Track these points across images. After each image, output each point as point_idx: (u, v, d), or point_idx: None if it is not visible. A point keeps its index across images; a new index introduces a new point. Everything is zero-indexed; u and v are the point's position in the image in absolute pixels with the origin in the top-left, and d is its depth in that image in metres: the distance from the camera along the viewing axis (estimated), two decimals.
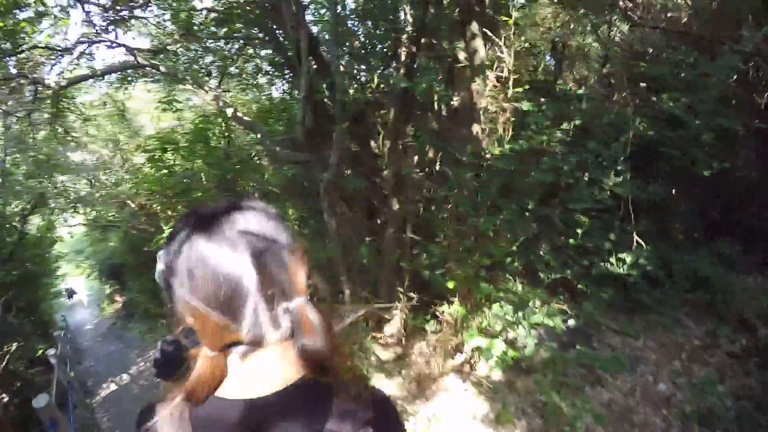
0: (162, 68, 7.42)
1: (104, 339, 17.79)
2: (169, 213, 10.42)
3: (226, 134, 10.12)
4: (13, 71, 7.18)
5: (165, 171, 9.60)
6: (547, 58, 8.54)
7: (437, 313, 5.25)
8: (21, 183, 12.80)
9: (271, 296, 0.83)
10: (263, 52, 9.00)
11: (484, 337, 4.57)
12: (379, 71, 6.79)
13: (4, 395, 8.77)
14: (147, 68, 7.77)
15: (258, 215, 0.89)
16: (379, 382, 5.12)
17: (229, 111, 6.83)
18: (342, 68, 6.32)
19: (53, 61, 7.65)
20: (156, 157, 9.19)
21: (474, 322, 4.87)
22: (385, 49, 7.03)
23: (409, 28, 5.64)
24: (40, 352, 9.34)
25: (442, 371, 5.01)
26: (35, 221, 16.04)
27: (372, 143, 6.45)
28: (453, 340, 5.05)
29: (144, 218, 12.25)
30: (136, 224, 12.35)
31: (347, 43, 6.93)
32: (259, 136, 6.93)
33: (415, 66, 6.02)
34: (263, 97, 10.81)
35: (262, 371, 0.84)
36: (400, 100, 5.78)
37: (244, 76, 10.17)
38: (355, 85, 7.01)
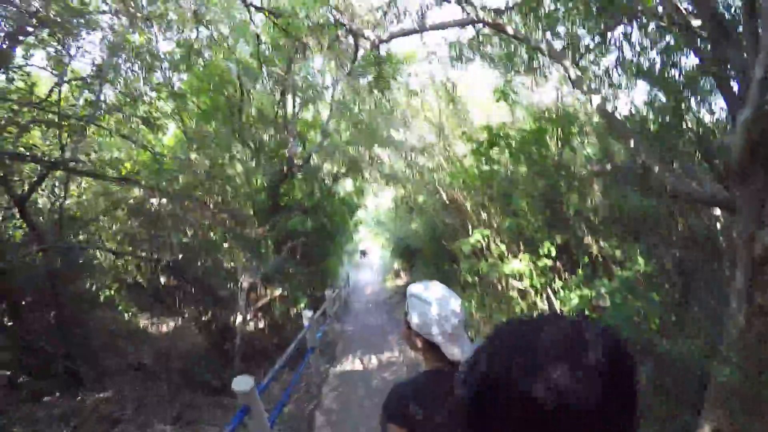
0: (509, 29, 5.91)
1: (376, 308, 18.38)
2: (483, 216, 9.21)
3: (561, 139, 8.11)
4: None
5: (487, 168, 8.21)
6: None
7: None
8: (339, 146, 13.13)
9: None
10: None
11: None
12: None
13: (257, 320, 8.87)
14: (488, 29, 6.39)
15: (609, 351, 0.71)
16: None
17: (596, 100, 4.87)
18: None
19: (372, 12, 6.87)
20: (482, 150, 7.80)
21: None
22: None
23: None
24: (302, 305, 9.12)
25: None
26: (349, 185, 16.90)
27: None
28: None
29: (453, 212, 11.31)
30: (443, 215, 11.47)
31: None
32: (632, 143, 4.64)
33: None
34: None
35: None
36: None
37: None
38: None
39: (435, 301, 1.84)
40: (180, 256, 8.80)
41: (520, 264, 6.75)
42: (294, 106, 12.73)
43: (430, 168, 12.64)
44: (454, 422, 1.44)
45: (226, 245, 11.18)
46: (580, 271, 6.56)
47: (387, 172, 13.74)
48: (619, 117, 5.43)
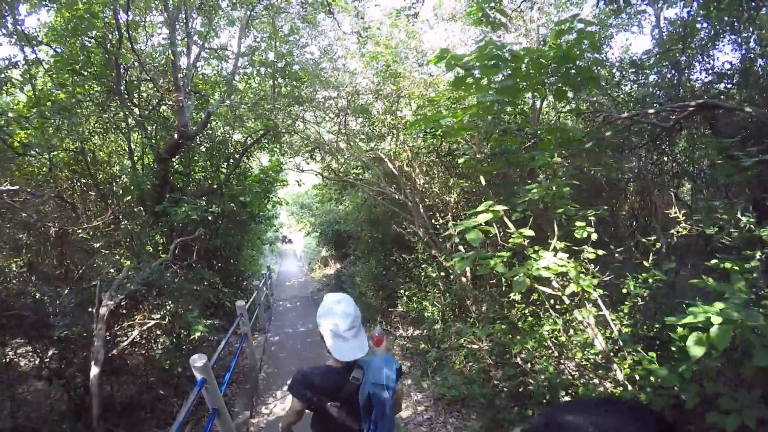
0: None
1: (304, 307, 15.67)
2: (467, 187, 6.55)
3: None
4: None
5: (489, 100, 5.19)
6: None
7: None
8: (250, 107, 9.89)
9: None
10: None
11: None
12: None
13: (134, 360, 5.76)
14: None
15: None
16: None
17: None
18: None
19: None
20: (474, 78, 4.69)
21: None
22: None
23: None
24: (197, 332, 6.05)
25: None
26: (264, 160, 13.66)
27: None
28: None
29: (394, 186, 8.56)
30: (386, 190, 8.64)
31: None
32: None
33: None
34: None
35: None
36: None
37: None
38: None
39: (325, 304, 2.39)
40: None
41: (555, 258, 4.06)
42: (190, 56, 9.35)
43: (370, 132, 9.67)
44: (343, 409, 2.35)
45: (99, 246, 8.01)
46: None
47: (313, 139, 10.59)
48: None
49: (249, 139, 11.06)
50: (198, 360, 4.28)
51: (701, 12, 6.53)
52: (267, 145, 11.92)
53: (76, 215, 8.52)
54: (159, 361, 5.68)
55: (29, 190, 7.96)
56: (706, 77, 6.87)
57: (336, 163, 11.00)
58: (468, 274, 7.92)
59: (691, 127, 6.76)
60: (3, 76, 7.87)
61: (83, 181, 8.81)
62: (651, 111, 5.69)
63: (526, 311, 5.97)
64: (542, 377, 4.77)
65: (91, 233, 8.31)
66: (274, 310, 15.07)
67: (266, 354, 9.62)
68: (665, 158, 6.98)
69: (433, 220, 8.57)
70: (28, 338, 5.51)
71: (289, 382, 2.39)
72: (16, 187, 7.24)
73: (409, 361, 8.07)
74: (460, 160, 5.42)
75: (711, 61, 6.86)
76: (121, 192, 9.54)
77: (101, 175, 9.34)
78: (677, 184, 7.35)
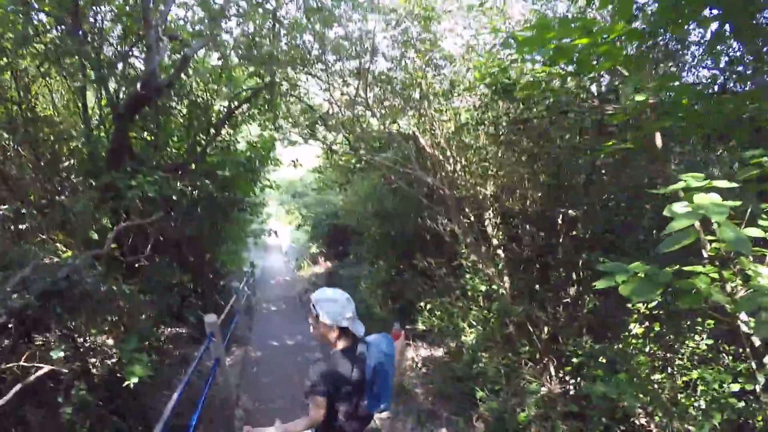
0: None
1: (292, 311, 13.63)
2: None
3: None
4: None
5: None
6: None
7: None
8: (240, 56, 7.71)
9: None
10: None
11: None
12: None
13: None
14: None
15: None
16: None
17: None
18: None
19: None
20: None
21: None
22: None
23: None
24: (134, 376, 3.87)
25: None
26: (254, 131, 11.25)
27: None
28: None
29: (430, 166, 6.47)
30: (417, 173, 6.52)
31: None
32: None
33: None
34: None
35: None
36: None
37: None
38: None
39: (337, 298, 2.54)
40: None
41: None
42: None
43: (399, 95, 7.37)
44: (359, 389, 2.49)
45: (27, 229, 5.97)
46: None
47: (311, 111, 8.33)
48: None
49: (235, 101, 8.78)
50: None
51: None
52: (258, 115, 9.64)
53: (7, 187, 6.37)
54: (70, 423, 3.42)
55: None
56: None
57: (344, 139, 8.69)
58: (507, 286, 5.87)
59: None
60: None
61: (11, 137, 6.62)
62: None
63: (644, 349, 3.87)
64: None
65: (23, 211, 6.17)
66: (257, 314, 12.90)
67: (245, 378, 7.43)
68: None
69: (461, 215, 6.48)
70: None
71: (308, 386, 2.41)
72: None
73: (436, 404, 5.99)
74: (638, 98, 3.09)
75: None
76: (68, 159, 7.35)
77: (42, 135, 7.10)
78: None
